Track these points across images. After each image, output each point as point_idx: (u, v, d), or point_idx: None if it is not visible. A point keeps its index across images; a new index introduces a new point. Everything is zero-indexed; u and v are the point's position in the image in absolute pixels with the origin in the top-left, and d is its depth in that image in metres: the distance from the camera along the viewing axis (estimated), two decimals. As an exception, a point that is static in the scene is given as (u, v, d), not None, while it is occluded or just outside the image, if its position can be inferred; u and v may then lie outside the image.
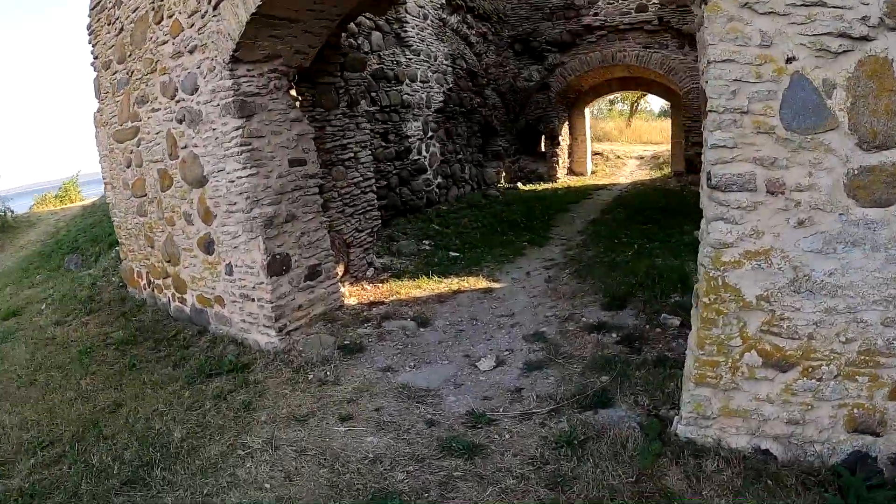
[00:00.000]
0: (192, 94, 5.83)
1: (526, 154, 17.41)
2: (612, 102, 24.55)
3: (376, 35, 10.01)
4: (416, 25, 11.25)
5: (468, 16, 13.69)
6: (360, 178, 7.58)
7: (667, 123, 30.80)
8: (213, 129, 5.66)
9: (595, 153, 19.91)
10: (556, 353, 5.13)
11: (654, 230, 9.33)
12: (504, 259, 8.34)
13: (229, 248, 5.96)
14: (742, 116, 3.31)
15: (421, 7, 11.44)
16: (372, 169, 7.90)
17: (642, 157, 21.06)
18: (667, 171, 18.02)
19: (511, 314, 6.20)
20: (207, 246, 6.27)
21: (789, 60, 3.24)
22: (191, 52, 5.71)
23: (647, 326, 5.51)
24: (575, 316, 5.93)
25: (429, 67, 11.69)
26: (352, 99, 7.33)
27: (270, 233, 5.64)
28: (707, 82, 3.42)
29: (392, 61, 10.41)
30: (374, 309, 6.51)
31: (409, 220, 10.47)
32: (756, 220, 3.37)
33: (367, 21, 9.75)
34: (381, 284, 7.31)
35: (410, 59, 11.00)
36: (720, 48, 3.30)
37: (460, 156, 13.24)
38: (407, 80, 10.85)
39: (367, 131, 7.74)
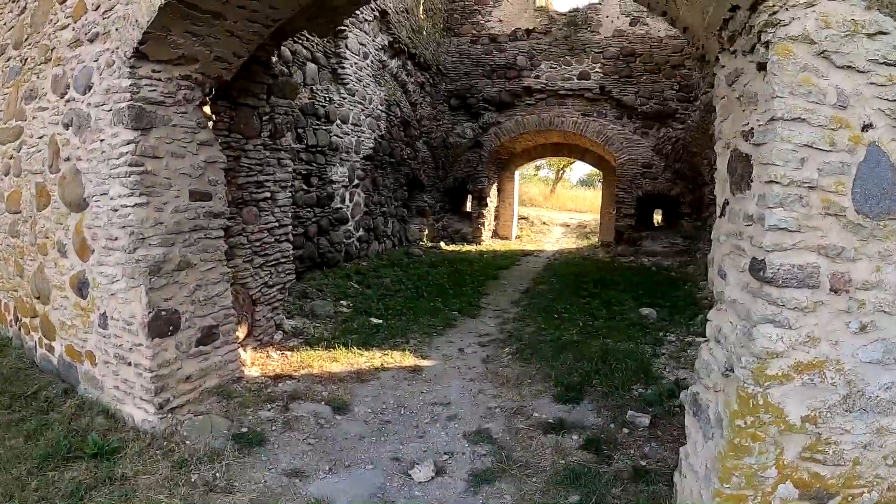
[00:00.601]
0: (85, 94, 4.59)
1: (451, 213, 16.70)
2: (537, 168, 24.53)
3: (311, 67, 9.02)
4: (355, 64, 10.36)
5: (409, 62, 12.97)
6: (276, 224, 6.38)
7: (588, 193, 31.60)
8: (101, 141, 4.43)
9: (521, 217, 19.51)
10: (507, 460, 4.10)
11: (596, 305, 8.62)
12: (433, 330, 7.30)
13: (105, 294, 4.64)
14: (809, 193, 2.61)
15: (362, 45, 10.58)
16: (290, 214, 6.75)
17: (568, 225, 20.86)
18: (594, 240, 17.77)
19: (446, 402, 5.14)
20: (80, 287, 4.91)
21: (865, 128, 2.60)
22: (91, 40, 4.49)
23: (613, 426, 4.65)
24: (524, 409, 4.95)
25: (362, 110, 10.77)
26: (276, 129, 6.22)
27: (157, 282, 4.39)
28: (763, 144, 2.71)
29: (325, 98, 9.41)
30: (280, 384, 5.27)
31: (325, 274, 9.30)
32: (813, 324, 2.65)
33: (304, 50, 8.77)
34: (290, 353, 6.07)
35: (345, 98, 10.05)
36: (790, 103, 2.59)
37: (385, 209, 12.27)
38: (338, 121, 9.86)
39: (290, 170, 6.62)
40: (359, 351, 6.24)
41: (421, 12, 13.42)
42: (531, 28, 15.18)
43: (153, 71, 4.30)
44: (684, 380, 5.43)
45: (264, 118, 6.00)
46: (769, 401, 2.68)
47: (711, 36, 3.42)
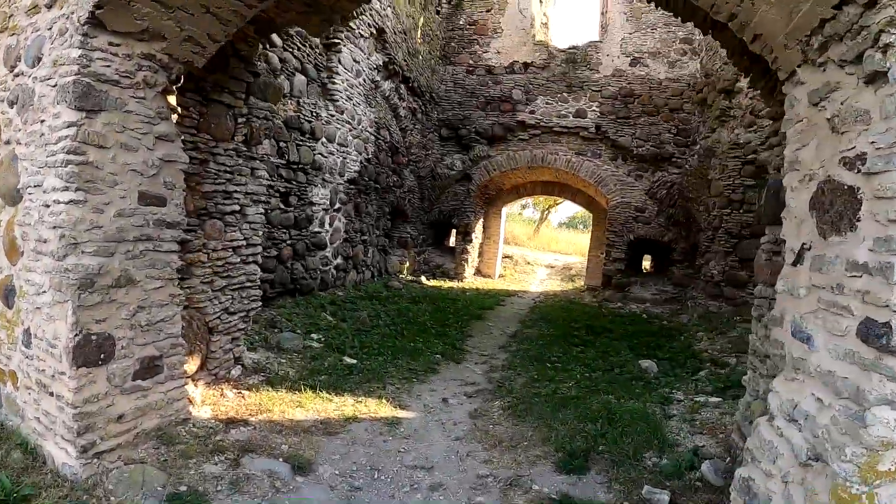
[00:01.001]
0: (34, 67, 3.83)
1: (434, 246, 16.01)
2: (522, 207, 24.01)
3: (300, 79, 8.37)
4: (347, 80, 9.73)
5: (402, 86, 12.40)
6: (244, 242, 5.59)
7: (571, 234, 31.18)
8: (42, 122, 3.67)
9: (505, 256, 18.86)
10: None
11: (591, 355, 7.92)
12: (413, 375, 6.50)
13: (31, 306, 3.84)
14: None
15: (356, 62, 9.97)
16: (262, 233, 5.98)
17: (552, 267, 20.27)
18: (579, 283, 17.17)
19: (428, 466, 4.33)
20: (7, 295, 4.09)
21: None
22: (49, 6, 3.74)
23: (626, 504, 3.88)
24: (521, 479, 4.17)
25: (350, 130, 10.11)
26: (252, 134, 5.48)
27: (88, 298, 3.59)
28: (882, 174, 2.08)
29: (311, 112, 8.74)
30: (233, 431, 4.43)
31: (297, 303, 8.51)
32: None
33: (294, 60, 8.14)
34: (248, 392, 5.22)
35: (333, 115, 9.39)
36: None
37: (366, 237, 11.53)
38: (324, 139, 9.18)
39: (265, 183, 5.87)
40: (328, 396, 5.42)
41: (419, 36, 12.92)
42: (529, 62, 14.79)
43: (110, 44, 3.58)
44: (702, 447, 4.71)
45: (240, 120, 5.26)
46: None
47: (793, 44, 2.79)
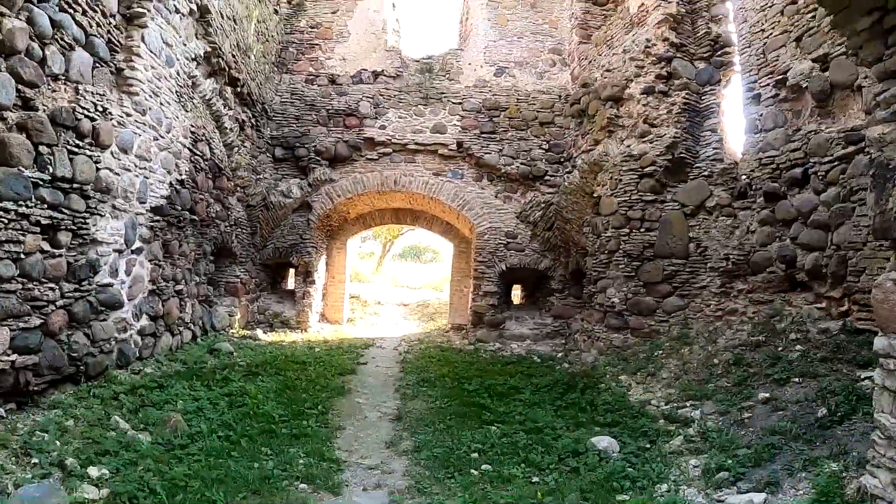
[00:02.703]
0: None
1: (270, 291, 13.17)
2: (363, 239, 21.61)
3: (82, 56, 5.52)
4: (153, 69, 6.89)
5: (229, 90, 9.59)
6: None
7: (418, 266, 29.08)
8: None
9: (351, 296, 16.33)
10: None
11: (520, 439, 5.76)
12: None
13: None
14: None
15: (167, 46, 7.16)
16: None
17: (406, 305, 18.01)
18: (441, 322, 15.14)
19: None
20: None
21: None
22: None
23: None
24: None
25: (155, 139, 7.23)
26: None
27: None
28: None
29: (97, 107, 5.82)
30: None
31: (80, 394, 5.52)
32: None
33: (75, 26, 5.31)
34: None
35: (129, 114, 6.50)
36: None
37: (181, 286, 8.54)
38: (115, 147, 6.26)
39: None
40: None
41: (252, 30, 10.23)
42: (380, 70, 12.71)
43: None
44: None
45: None
46: None
47: None
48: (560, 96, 12.36)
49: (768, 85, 7.63)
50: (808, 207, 6.78)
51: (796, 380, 5.67)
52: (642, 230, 9.17)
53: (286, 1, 12.64)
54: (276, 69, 12.35)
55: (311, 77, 12.69)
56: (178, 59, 7.55)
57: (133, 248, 6.99)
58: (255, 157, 11.62)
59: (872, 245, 5.88)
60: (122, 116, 6.38)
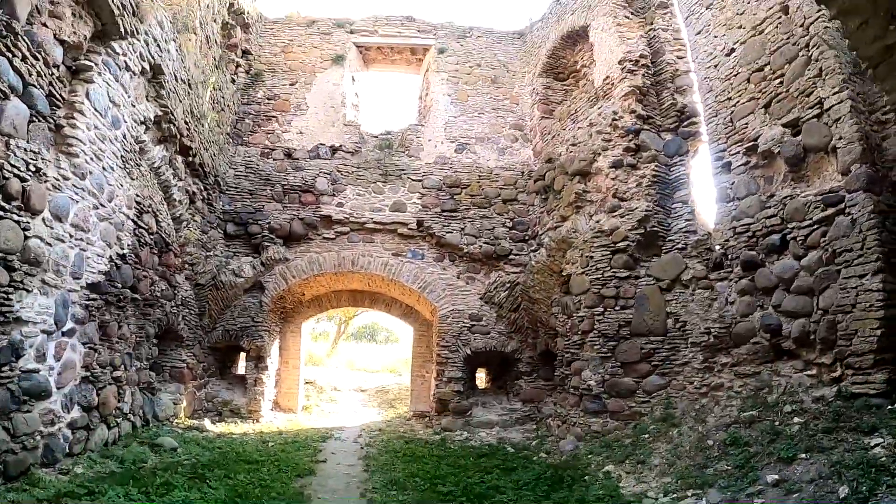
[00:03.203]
0: None
1: (220, 377, 12.16)
2: (316, 320, 20.69)
3: (18, 106, 4.97)
4: (97, 129, 6.34)
5: (179, 158, 9.04)
6: None
7: (374, 348, 27.93)
8: None
9: (306, 382, 15.33)
10: None
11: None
12: None
13: None
14: None
15: (114, 105, 6.64)
16: None
17: (364, 391, 17.00)
18: (402, 409, 14.26)
19: None
20: None
21: None
22: None
23: None
24: None
25: (95, 208, 6.58)
26: None
27: None
28: None
29: (29, 165, 5.19)
30: None
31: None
32: None
33: (12, 72, 4.74)
34: None
35: (66, 177, 5.88)
36: None
37: (120, 372, 7.65)
38: (48, 214, 5.60)
39: None
40: None
41: (207, 97, 9.81)
42: (338, 145, 12.38)
43: None
44: None
45: None
46: None
47: None
48: (523, 172, 12.23)
49: (738, 153, 7.62)
50: (790, 273, 6.61)
51: (803, 456, 5.21)
52: (617, 308, 8.80)
53: (244, 71, 12.39)
54: (230, 140, 11.94)
55: (267, 150, 12.29)
56: (125, 121, 7.01)
57: (64, 329, 6.19)
58: (205, 233, 10.96)
59: (863, 306, 5.70)
60: (58, 179, 5.75)
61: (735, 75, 7.75)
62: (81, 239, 6.35)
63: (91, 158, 6.34)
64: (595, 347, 8.90)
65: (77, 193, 6.16)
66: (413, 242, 12.22)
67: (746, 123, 7.52)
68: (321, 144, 12.35)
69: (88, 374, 6.77)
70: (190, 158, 9.39)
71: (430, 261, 12.15)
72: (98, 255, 6.79)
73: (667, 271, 8.50)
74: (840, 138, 6.19)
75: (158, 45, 7.42)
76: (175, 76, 8.14)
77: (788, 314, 6.61)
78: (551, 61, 11.98)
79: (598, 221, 9.33)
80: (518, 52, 13.40)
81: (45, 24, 5.33)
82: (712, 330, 7.70)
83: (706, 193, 8.62)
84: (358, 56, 13.73)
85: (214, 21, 10.43)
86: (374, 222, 12.13)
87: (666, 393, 8.16)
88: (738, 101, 7.68)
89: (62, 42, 5.65)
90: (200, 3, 9.37)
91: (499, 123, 12.68)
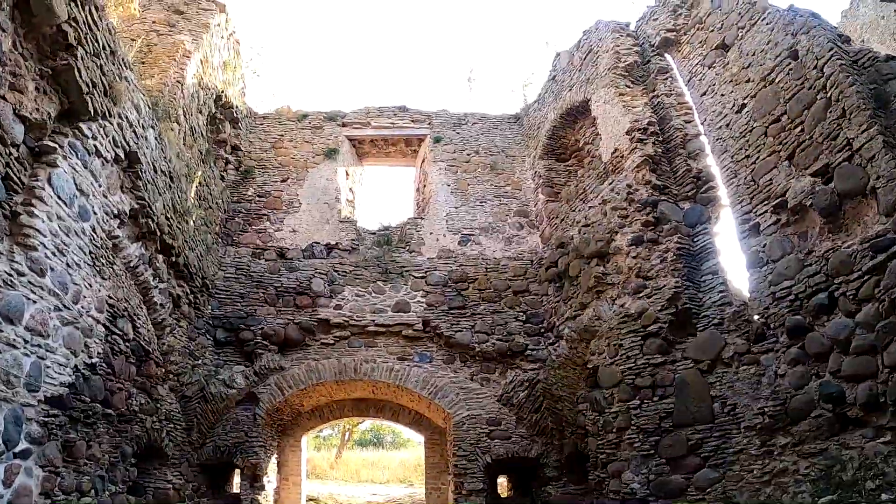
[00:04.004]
0: None
1: (212, 497, 10.90)
2: (318, 429, 19.63)
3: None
4: (60, 220, 5.65)
5: (160, 258, 8.33)
6: None
7: (381, 455, 26.15)
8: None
9: (309, 499, 13.96)
10: None
11: None
12: None
13: None
14: None
15: (80, 194, 5.98)
16: None
17: (375, 506, 15.57)
18: (417, 528, 12.87)
19: None
20: None
21: None
22: None
23: None
24: None
25: (56, 309, 5.80)
26: None
27: None
28: None
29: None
30: None
31: None
32: None
33: None
34: None
35: (21, 273, 5.15)
36: None
37: (88, 499, 6.58)
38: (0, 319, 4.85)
39: None
40: None
41: (193, 192, 9.28)
42: (334, 243, 11.78)
43: None
44: None
45: None
46: None
47: None
48: (532, 261, 11.57)
49: (766, 212, 7.08)
50: (845, 333, 5.86)
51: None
52: (655, 398, 7.86)
53: (234, 167, 12.01)
54: (219, 240, 11.34)
55: (259, 250, 11.67)
56: (95, 213, 6.35)
57: (16, 450, 5.24)
58: (192, 340, 10.10)
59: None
60: (10, 274, 5.01)
61: (750, 131, 7.31)
62: (39, 345, 5.53)
63: (53, 252, 5.64)
64: (635, 445, 7.88)
65: (34, 292, 5.40)
66: (420, 344, 11.30)
67: (770, 179, 7.02)
68: (316, 243, 11.76)
69: (48, 501, 5.75)
70: (173, 258, 8.70)
71: (440, 363, 11.18)
72: (60, 365, 5.93)
73: (705, 351, 7.62)
74: (878, 177, 5.65)
75: (134, 131, 6.90)
76: (154, 166, 7.60)
77: (850, 378, 5.85)
78: (552, 142, 11.65)
79: (622, 305, 8.55)
80: (516, 136, 13.17)
81: (3, 98, 4.80)
82: (765, 409, 6.77)
83: (735, 261, 7.98)
84: (351, 150, 13.46)
85: (200, 112, 10.10)
86: (376, 325, 11.26)
87: (722, 487, 7.09)
88: (757, 158, 7.22)
89: (24, 119, 5.10)
90: (184, 91, 9.05)
91: (502, 211, 12.17)
